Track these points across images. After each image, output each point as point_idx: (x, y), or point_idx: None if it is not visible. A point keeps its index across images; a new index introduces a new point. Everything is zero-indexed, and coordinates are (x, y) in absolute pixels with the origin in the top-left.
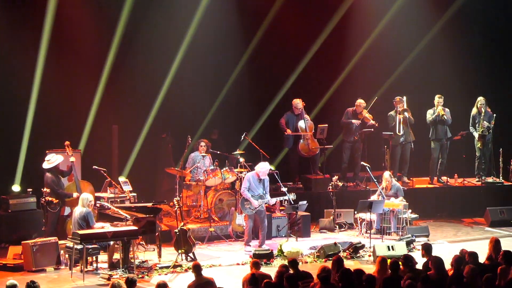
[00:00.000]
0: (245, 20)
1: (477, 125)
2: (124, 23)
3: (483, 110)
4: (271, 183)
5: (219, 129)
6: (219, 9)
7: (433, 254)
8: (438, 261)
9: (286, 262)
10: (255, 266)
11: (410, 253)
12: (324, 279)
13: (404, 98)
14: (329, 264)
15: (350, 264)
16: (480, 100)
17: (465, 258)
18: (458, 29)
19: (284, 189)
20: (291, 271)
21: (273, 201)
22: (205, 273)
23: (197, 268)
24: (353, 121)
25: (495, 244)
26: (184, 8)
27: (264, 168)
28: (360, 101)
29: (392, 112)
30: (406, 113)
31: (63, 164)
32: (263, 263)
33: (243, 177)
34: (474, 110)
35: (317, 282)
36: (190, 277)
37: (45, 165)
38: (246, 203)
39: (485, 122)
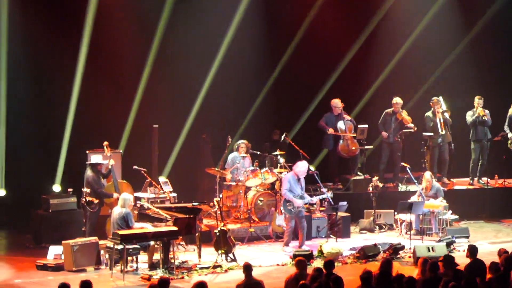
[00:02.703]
0: (284, 22)
1: None
2: (164, 25)
3: None
4: (311, 184)
5: (279, 129)
6: (256, 12)
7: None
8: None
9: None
10: (300, 266)
11: (450, 254)
12: (365, 280)
13: (441, 98)
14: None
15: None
16: None
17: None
18: (497, 30)
19: (324, 190)
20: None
21: (314, 199)
22: None
23: (247, 268)
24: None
25: None
26: (223, 11)
27: (303, 167)
28: (397, 99)
29: (429, 113)
30: (446, 114)
31: (104, 166)
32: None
33: (283, 178)
34: (510, 111)
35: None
36: (230, 277)
37: (94, 159)
38: (288, 204)
39: None
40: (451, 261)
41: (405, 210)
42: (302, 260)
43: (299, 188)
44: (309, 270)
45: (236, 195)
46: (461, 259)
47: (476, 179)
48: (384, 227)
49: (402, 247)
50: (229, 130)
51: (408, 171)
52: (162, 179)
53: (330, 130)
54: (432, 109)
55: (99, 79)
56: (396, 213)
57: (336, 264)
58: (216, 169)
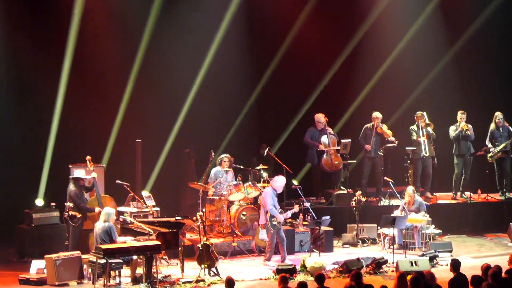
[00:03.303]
0: (267, 37)
1: (494, 140)
2: (147, 40)
3: (501, 125)
4: (294, 198)
5: (266, 144)
6: (240, 26)
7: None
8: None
9: (308, 278)
10: (283, 281)
11: (433, 269)
12: None
13: (425, 113)
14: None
15: (373, 279)
16: (498, 115)
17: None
18: (480, 44)
19: (307, 204)
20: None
21: (288, 215)
22: None
23: (230, 283)
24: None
25: None
26: (206, 26)
27: (281, 182)
28: (376, 114)
29: (413, 127)
30: (429, 128)
31: (87, 181)
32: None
33: (264, 193)
34: (492, 126)
35: None
36: None
37: (77, 174)
38: (273, 220)
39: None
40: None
41: (388, 224)
42: (285, 276)
43: (277, 203)
44: (292, 284)
45: (219, 210)
46: (444, 273)
47: (459, 193)
48: (367, 241)
49: (385, 262)
50: (212, 144)
51: (391, 185)
52: (145, 193)
53: (321, 147)
54: (416, 122)
55: (82, 93)
56: (379, 227)
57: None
58: (199, 183)
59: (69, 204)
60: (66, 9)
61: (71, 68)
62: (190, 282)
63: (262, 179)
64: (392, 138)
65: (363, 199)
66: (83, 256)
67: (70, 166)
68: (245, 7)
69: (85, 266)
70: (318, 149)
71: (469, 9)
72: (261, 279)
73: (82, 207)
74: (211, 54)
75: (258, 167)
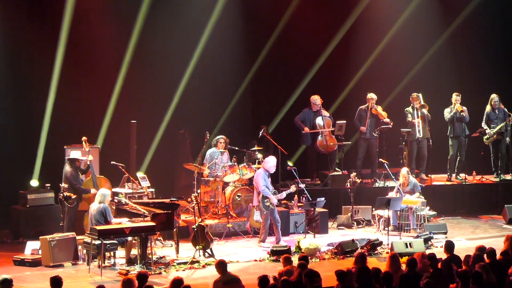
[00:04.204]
0: (262, 19)
1: (490, 123)
2: (142, 22)
3: (497, 107)
4: (289, 179)
5: (265, 126)
6: (234, 8)
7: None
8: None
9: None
10: (287, 262)
11: (427, 250)
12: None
13: (420, 95)
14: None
15: (368, 261)
16: (494, 97)
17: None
18: (475, 27)
19: (302, 186)
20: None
21: (284, 194)
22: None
23: (222, 265)
24: (305, 129)
25: (510, 241)
26: (200, 8)
27: (272, 163)
28: (371, 95)
29: (408, 108)
30: (424, 110)
31: (82, 162)
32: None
33: (256, 175)
34: (488, 108)
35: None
36: (208, 272)
37: (73, 155)
38: (266, 201)
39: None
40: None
41: (383, 206)
42: (289, 257)
43: (270, 184)
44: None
45: (214, 191)
46: (439, 255)
47: (454, 175)
48: (362, 223)
49: (380, 243)
50: (207, 125)
51: (386, 167)
52: (140, 174)
53: (306, 129)
54: (411, 104)
55: (77, 74)
56: (374, 209)
57: (314, 259)
58: (194, 164)
59: (64, 185)
60: None
61: (66, 50)
62: (185, 263)
63: (257, 161)
64: (387, 120)
65: (358, 181)
66: (78, 237)
67: (65, 147)
68: None
69: (80, 247)
70: (303, 132)
71: None
72: (255, 260)
73: (78, 188)
74: (205, 35)
75: (253, 148)
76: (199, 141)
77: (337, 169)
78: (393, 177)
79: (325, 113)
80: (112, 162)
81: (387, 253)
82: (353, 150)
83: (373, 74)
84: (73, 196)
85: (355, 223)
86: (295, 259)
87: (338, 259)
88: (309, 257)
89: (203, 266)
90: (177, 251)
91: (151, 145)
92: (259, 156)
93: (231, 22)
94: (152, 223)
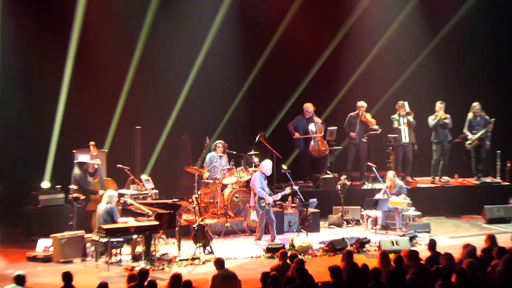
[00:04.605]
0: (259, 30)
1: (472, 129)
2: (146, 33)
3: (478, 114)
4: (284, 182)
5: (263, 131)
6: (233, 21)
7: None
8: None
9: (299, 257)
10: (283, 257)
11: (412, 248)
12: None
13: (406, 103)
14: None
15: (357, 258)
16: (475, 105)
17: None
18: (458, 39)
19: (295, 187)
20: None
21: (279, 196)
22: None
23: (220, 262)
24: (296, 135)
25: (491, 239)
26: (201, 20)
27: (268, 166)
28: (361, 103)
29: (395, 115)
30: (409, 117)
31: (90, 165)
32: (276, 256)
33: (253, 177)
34: (470, 115)
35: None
36: (208, 268)
37: (81, 159)
38: (262, 201)
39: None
40: (416, 256)
41: (371, 206)
42: (285, 252)
43: (266, 186)
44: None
45: (213, 192)
46: (423, 252)
47: (437, 178)
48: (351, 222)
49: (368, 241)
50: (207, 131)
51: (374, 170)
52: (144, 177)
53: (297, 135)
54: (397, 112)
55: (85, 83)
56: (362, 209)
57: (306, 256)
58: (195, 167)
59: (73, 186)
60: (70, 3)
61: (76, 60)
62: (186, 259)
63: (253, 164)
64: (376, 126)
65: (348, 183)
66: (87, 235)
67: (74, 151)
68: (238, 2)
69: (88, 244)
70: (294, 137)
71: (448, 4)
72: (252, 257)
73: (86, 189)
74: (206, 46)
75: (250, 153)
76: (199, 145)
77: (328, 172)
78: (381, 179)
79: (317, 119)
80: (118, 165)
81: (375, 250)
82: (343, 154)
83: (362, 83)
84: (82, 197)
85: (345, 222)
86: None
87: (329, 256)
88: (301, 254)
89: (203, 263)
90: (179, 249)
91: (155, 149)
92: (256, 160)
93: (230, 34)
94: (156, 222)
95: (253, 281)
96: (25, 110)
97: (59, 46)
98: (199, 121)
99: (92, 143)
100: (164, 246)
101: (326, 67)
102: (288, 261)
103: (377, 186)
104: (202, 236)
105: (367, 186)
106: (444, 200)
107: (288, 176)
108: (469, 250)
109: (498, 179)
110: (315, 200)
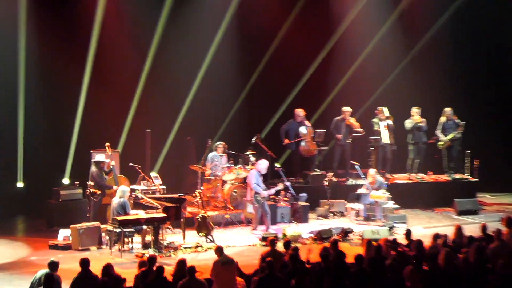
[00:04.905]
0: (256, 42)
1: (444, 131)
2: (157, 44)
3: (450, 118)
4: (277, 178)
5: (259, 133)
6: (234, 33)
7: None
8: (419, 244)
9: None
10: (272, 244)
11: (391, 236)
12: (324, 257)
13: (385, 108)
14: (327, 245)
15: (341, 246)
16: (448, 110)
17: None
18: (433, 50)
19: (287, 183)
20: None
21: (273, 191)
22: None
23: (220, 250)
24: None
25: (459, 230)
26: (205, 32)
27: (264, 165)
28: (346, 108)
29: (375, 119)
30: (388, 120)
31: (106, 164)
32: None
33: (249, 175)
34: (442, 119)
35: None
36: (209, 255)
37: (98, 158)
38: (257, 196)
39: (455, 131)
40: (395, 243)
41: (354, 200)
42: (273, 239)
43: (261, 182)
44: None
45: (214, 188)
46: (400, 241)
47: (413, 175)
48: (337, 214)
49: (351, 231)
50: (209, 133)
51: (357, 168)
52: (153, 174)
53: (285, 141)
54: (377, 116)
55: (101, 90)
56: (346, 202)
57: (297, 244)
58: (198, 166)
59: (90, 183)
60: (89, 15)
61: (93, 69)
62: (190, 247)
63: (250, 163)
64: (359, 129)
65: (334, 179)
66: (102, 226)
67: (91, 151)
68: (238, 16)
69: (103, 234)
70: (284, 143)
71: (425, 19)
72: (249, 245)
73: (102, 185)
74: (209, 56)
75: (247, 153)
76: (202, 146)
77: (316, 170)
78: (363, 176)
79: (307, 123)
80: (130, 164)
81: (358, 239)
82: (330, 154)
83: (347, 91)
84: (98, 192)
85: (331, 214)
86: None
87: (317, 244)
88: (293, 242)
89: (206, 250)
90: (184, 238)
91: (163, 149)
92: (253, 159)
93: (231, 46)
94: (163, 214)
95: (250, 266)
96: (48, 114)
97: (78, 58)
98: (202, 124)
99: (107, 144)
100: (170, 235)
101: (315, 76)
102: (276, 248)
103: (360, 182)
104: (204, 227)
105: (351, 182)
106: (419, 195)
107: (281, 173)
108: (443, 240)
109: (467, 176)
110: (305, 194)
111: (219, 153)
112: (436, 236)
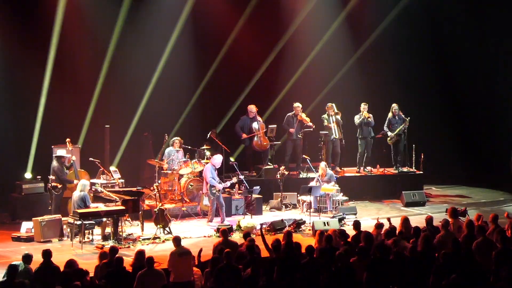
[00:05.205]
0: (210, 41)
1: (391, 126)
2: (114, 44)
3: (396, 114)
4: (231, 172)
5: (215, 129)
6: (189, 32)
7: (361, 229)
8: (368, 235)
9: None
10: (224, 234)
11: (341, 227)
12: (276, 248)
13: (334, 105)
14: (279, 236)
15: (294, 236)
16: (394, 106)
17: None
18: (380, 49)
19: (241, 177)
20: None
21: (228, 184)
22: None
23: (177, 240)
24: (243, 135)
25: (405, 221)
26: (161, 32)
27: (218, 160)
28: (297, 104)
29: (324, 115)
30: (337, 116)
31: (67, 159)
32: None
33: (205, 169)
34: (389, 114)
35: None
36: (167, 246)
37: (59, 153)
38: (212, 189)
39: (401, 126)
40: (344, 234)
41: (306, 192)
42: (225, 230)
43: (216, 176)
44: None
45: (171, 181)
46: (350, 232)
47: (362, 168)
48: (289, 206)
49: (303, 222)
50: (166, 129)
51: (308, 162)
52: (112, 168)
53: (244, 135)
54: (327, 112)
55: (62, 87)
56: (298, 195)
57: (251, 235)
58: (156, 160)
59: (52, 177)
60: (49, 16)
61: (53, 65)
62: (148, 239)
63: (205, 157)
64: (310, 124)
65: (286, 173)
66: (63, 219)
67: (52, 146)
68: (193, 17)
69: (64, 226)
70: (242, 138)
71: (371, 20)
72: (205, 236)
73: (63, 179)
74: (165, 55)
75: (202, 147)
76: (159, 141)
77: (269, 163)
78: (314, 169)
79: (260, 119)
80: (90, 159)
81: (309, 230)
82: (282, 148)
83: (298, 87)
84: (59, 186)
85: (284, 206)
86: (236, 235)
87: (271, 235)
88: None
89: (163, 241)
90: (142, 229)
91: (121, 145)
92: (208, 153)
93: (185, 46)
94: (122, 207)
95: (205, 256)
96: (9, 110)
97: (40, 55)
98: (159, 120)
99: (68, 139)
100: (129, 227)
101: (267, 74)
102: (229, 238)
103: (311, 175)
104: (162, 219)
105: (303, 175)
106: (368, 187)
107: (235, 167)
108: (388, 230)
109: (413, 169)
110: (258, 187)
111: (175, 148)
112: (379, 226)
